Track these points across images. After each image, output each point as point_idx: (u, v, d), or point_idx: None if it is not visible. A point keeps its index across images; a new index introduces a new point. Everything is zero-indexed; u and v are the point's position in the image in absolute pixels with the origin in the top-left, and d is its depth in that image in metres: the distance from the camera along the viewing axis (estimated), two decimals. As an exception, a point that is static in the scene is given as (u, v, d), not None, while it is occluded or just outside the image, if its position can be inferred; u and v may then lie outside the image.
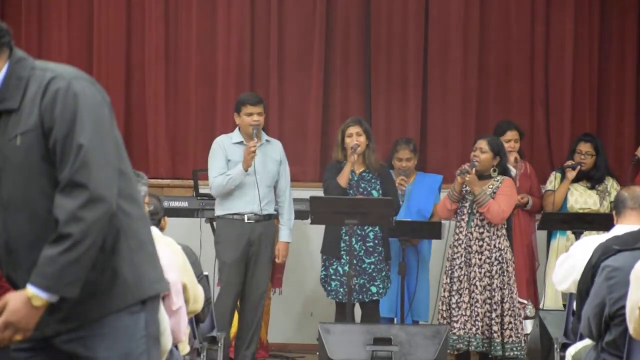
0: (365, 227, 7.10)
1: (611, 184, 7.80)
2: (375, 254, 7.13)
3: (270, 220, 7.14)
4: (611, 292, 4.08)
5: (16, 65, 2.83)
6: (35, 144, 2.76)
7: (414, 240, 7.42)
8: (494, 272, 6.92)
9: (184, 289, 4.49)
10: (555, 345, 5.32)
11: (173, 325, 4.28)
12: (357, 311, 7.28)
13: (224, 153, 7.06)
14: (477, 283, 6.90)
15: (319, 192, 7.28)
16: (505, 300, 6.91)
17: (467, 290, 6.91)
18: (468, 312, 6.87)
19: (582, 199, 7.75)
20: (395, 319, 7.41)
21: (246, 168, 6.93)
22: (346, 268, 6.89)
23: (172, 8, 8.57)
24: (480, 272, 6.92)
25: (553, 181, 7.78)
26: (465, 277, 6.93)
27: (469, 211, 7.03)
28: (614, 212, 4.84)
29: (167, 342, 4.12)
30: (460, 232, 7.04)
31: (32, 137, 2.76)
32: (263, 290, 7.13)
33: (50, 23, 8.57)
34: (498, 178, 7.07)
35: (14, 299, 2.71)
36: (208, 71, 8.56)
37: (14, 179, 2.79)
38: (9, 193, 2.80)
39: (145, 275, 2.89)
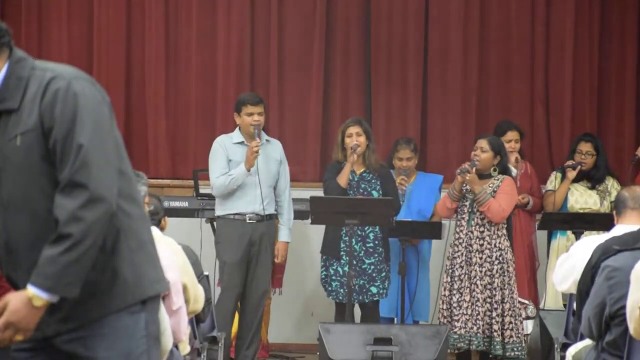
0: (366, 228, 7.10)
1: (611, 184, 7.80)
2: (376, 255, 7.13)
3: (271, 220, 7.14)
4: (611, 292, 4.08)
5: (16, 65, 2.83)
6: (35, 144, 2.76)
7: (414, 240, 7.42)
8: (494, 271, 6.92)
9: (184, 289, 4.49)
10: (556, 345, 5.32)
11: (173, 325, 4.28)
12: (357, 311, 7.28)
13: (225, 153, 7.05)
14: (478, 282, 6.90)
15: (319, 192, 7.28)
16: (505, 300, 6.91)
17: (467, 289, 6.91)
18: (469, 311, 6.87)
19: (582, 198, 7.75)
20: (395, 319, 7.41)
21: (249, 168, 6.93)
22: (346, 269, 6.88)
23: (172, 8, 8.57)
24: (481, 271, 6.92)
25: (553, 181, 7.78)
26: (466, 275, 6.94)
27: (470, 210, 7.03)
28: (614, 212, 4.83)
29: (167, 342, 4.12)
30: (461, 230, 7.04)
31: (32, 137, 2.76)
32: (264, 291, 7.12)
33: (51, 23, 8.57)
34: (498, 177, 7.07)
35: (15, 299, 2.71)
36: (208, 71, 8.57)
37: (14, 179, 2.79)
38: (9, 193, 2.80)
39: (145, 275, 2.89)
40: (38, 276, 2.69)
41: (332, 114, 8.59)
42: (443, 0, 8.58)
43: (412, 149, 7.58)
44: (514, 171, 7.43)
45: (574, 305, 4.86)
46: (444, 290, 7.04)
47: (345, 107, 8.57)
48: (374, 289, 7.10)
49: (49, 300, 2.70)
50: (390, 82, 8.60)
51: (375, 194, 7.18)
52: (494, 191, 7.01)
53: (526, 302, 7.48)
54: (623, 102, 8.66)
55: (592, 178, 7.78)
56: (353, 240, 6.88)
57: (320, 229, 7.35)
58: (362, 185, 7.18)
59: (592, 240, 4.79)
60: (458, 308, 6.91)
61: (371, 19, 8.58)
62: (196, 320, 5.06)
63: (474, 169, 7.00)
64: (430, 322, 7.47)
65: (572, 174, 7.67)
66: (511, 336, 6.88)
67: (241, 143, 7.08)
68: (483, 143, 7.08)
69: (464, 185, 7.04)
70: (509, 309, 6.91)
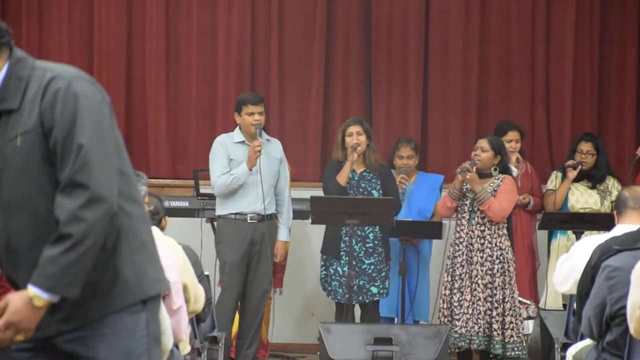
0: (365, 228, 7.10)
1: (612, 184, 7.80)
2: (375, 255, 7.12)
3: (272, 220, 7.14)
4: (612, 292, 4.08)
5: (16, 65, 2.82)
6: (36, 144, 2.76)
7: (414, 240, 7.42)
8: (495, 270, 6.92)
9: (185, 288, 4.49)
10: (556, 345, 5.32)
11: (173, 324, 4.28)
12: (357, 311, 7.28)
13: (226, 152, 7.05)
14: (479, 281, 6.90)
15: (320, 192, 7.28)
16: (506, 300, 6.91)
17: (468, 288, 6.91)
18: (470, 310, 6.87)
19: (582, 198, 7.75)
20: (395, 319, 7.41)
21: (251, 167, 6.93)
22: (346, 269, 6.88)
23: (173, 7, 8.57)
24: (481, 270, 6.92)
25: (554, 181, 7.78)
26: (467, 275, 6.94)
27: (470, 209, 7.03)
28: (615, 212, 4.83)
29: (168, 342, 4.12)
30: (462, 230, 7.04)
31: (32, 137, 2.76)
32: (265, 290, 7.12)
33: (51, 23, 8.57)
34: (499, 176, 7.07)
35: (15, 299, 2.71)
36: (209, 71, 8.57)
37: (15, 179, 2.79)
38: (9, 193, 2.80)
39: (145, 275, 2.88)
40: (39, 276, 2.69)
41: (332, 114, 8.59)
42: (444, 0, 8.58)
43: (413, 148, 7.59)
44: (514, 171, 7.43)
45: (575, 305, 4.86)
46: (445, 289, 7.03)
47: (346, 107, 8.57)
48: (374, 289, 7.10)
49: (49, 300, 2.70)
50: (390, 81, 8.60)
51: (375, 193, 7.18)
52: (495, 190, 7.01)
53: (527, 302, 7.48)
54: (623, 102, 8.66)
55: (592, 178, 7.78)
56: (353, 240, 6.88)
57: (320, 229, 7.35)
58: (362, 185, 7.18)
59: (593, 240, 4.78)
60: (459, 307, 6.91)
61: (372, 18, 8.58)
62: (197, 320, 5.06)
63: (474, 168, 7.00)
64: (431, 322, 7.47)
65: (572, 174, 7.67)
66: (512, 336, 6.88)
67: (242, 142, 7.08)
68: (483, 143, 7.09)
69: (465, 184, 7.05)
70: (510, 309, 6.91)
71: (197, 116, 8.56)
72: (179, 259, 4.48)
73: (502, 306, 6.90)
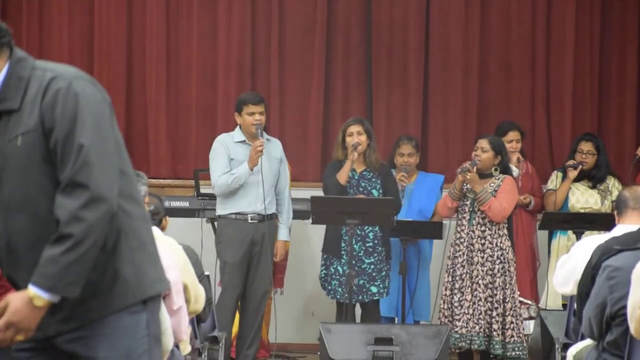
0: (365, 227, 7.10)
1: (612, 183, 7.80)
2: (375, 254, 7.12)
3: (272, 220, 7.14)
4: (612, 292, 4.08)
5: (17, 66, 2.83)
6: (36, 144, 2.76)
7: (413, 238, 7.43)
8: (496, 270, 6.92)
9: (185, 288, 4.49)
10: (557, 345, 5.32)
11: (174, 324, 4.28)
12: (358, 311, 7.28)
13: (227, 152, 7.05)
14: (480, 281, 6.90)
15: (320, 192, 7.27)
16: (507, 300, 6.91)
17: (469, 288, 6.91)
18: (470, 311, 6.87)
19: (583, 198, 7.75)
20: (396, 319, 7.41)
21: (252, 167, 6.93)
22: (346, 268, 6.88)
23: (173, 7, 8.57)
24: (482, 270, 6.92)
25: (554, 180, 7.78)
26: (468, 275, 6.94)
27: (471, 209, 7.03)
28: (615, 212, 4.84)
29: (168, 342, 4.12)
30: (462, 230, 7.04)
31: (32, 138, 2.76)
32: (265, 290, 7.12)
33: (51, 23, 8.57)
34: (499, 177, 7.08)
35: (16, 299, 2.71)
36: (209, 71, 8.57)
37: (15, 179, 2.79)
38: (9, 193, 2.80)
39: (146, 275, 2.89)
40: (39, 276, 2.69)
41: (332, 114, 8.59)
42: (444, 0, 8.58)
43: (414, 145, 7.59)
44: (515, 171, 7.43)
45: (575, 305, 4.86)
46: (445, 289, 7.03)
47: (346, 107, 8.57)
48: (374, 289, 7.10)
49: (50, 300, 2.70)
50: (391, 81, 8.60)
51: (375, 192, 7.18)
52: (495, 190, 7.01)
53: (529, 302, 7.47)
54: (624, 102, 8.66)
55: (593, 177, 7.78)
56: (353, 239, 6.88)
57: (320, 229, 7.35)
58: (362, 184, 7.18)
59: (593, 241, 4.79)
60: (459, 307, 6.91)
61: (372, 18, 8.58)
62: (197, 320, 5.06)
63: (474, 168, 7.00)
64: (431, 322, 7.47)
65: (573, 174, 7.67)
66: (512, 336, 6.88)
67: (243, 142, 7.08)
68: (484, 143, 7.09)
69: (465, 184, 7.04)
70: (510, 309, 6.91)
71: (197, 116, 8.56)
72: (179, 259, 4.48)
73: (502, 306, 6.90)
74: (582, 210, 7.63)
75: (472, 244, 6.98)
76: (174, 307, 4.31)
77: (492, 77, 8.64)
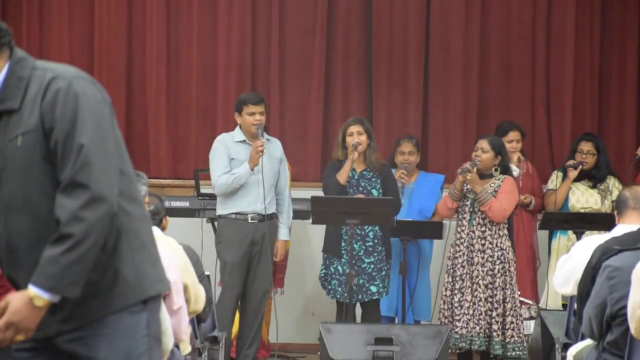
0: (365, 227, 7.10)
1: (612, 183, 7.80)
2: (375, 254, 7.12)
3: (272, 220, 7.14)
4: (612, 292, 4.08)
5: (17, 65, 2.83)
6: (36, 144, 2.76)
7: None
8: (496, 270, 6.92)
9: (185, 289, 4.49)
10: (557, 345, 5.32)
11: (174, 324, 4.28)
12: (358, 311, 7.28)
13: (227, 151, 7.04)
14: (480, 282, 6.90)
15: (320, 192, 7.27)
16: (507, 300, 6.91)
17: (469, 289, 6.91)
18: (470, 311, 6.87)
19: (583, 198, 7.75)
20: (396, 318, 7.41)
21: (253, 167, 6.92)
22: (346, 268, 6.88)
23: (173, 7, 8.57)
24: (482, 271, 6.92)
25: (554, 180, 7.78)
26: (468, 275, 6.93)
27: (471, 210, 7.03)
28: (615, 212, 4.84)
29: (168, 342, 4.12)
30: (462, 230, 7.04)
31: (33, 138, 2.76)
32: (265, 290, 7.12)
33: (52, 23, 8.57)
34: (499, 177, 7.07)
35: (16, 299, 2.71)
36: (209, 71, 8.57)
37: (15, 179, 2.79)
38: (10, 193, 2.80)
39: (146, 275, 2.89)
40: (39, 276, 2.69)
41: (333, 114, 8.59)
42: (444, -1, 8.60)
43: (414, 144, 7.60)
44: (515, 170, 7.43)
45: (575, 305, 4.86)
46: (445, 290, 7.03)
47: (346, 107, 8.57)
48: (373, 288, 7.10)
49: (50, 300, 2.70)
50: (391, 81, 8.60)
51: (375, 192, 7.18)
52: (495, 191, 7.01)
53: (530, 302, 7.47)
54: (624, 102, 8.66)
55: (593, 177, 7.78)
56: (353, 239, 6.87)
57: (321, 229, 7.35)
58: (362, 184, 7.18)
59: (593, 241, 4.79)
60: (459, 308, 6.91)
61: (372, 18, 8.58)
62: (197, 320, 5.06)
63: (475, 169, 7.00)
64: (431, 322, 7.47)
65: (573, 174, 7.67)
66: (512, 336, 6.88)
67: (243, 142, 7.08)
68: (484, 143, 7.09)
69: (465, 184, 7.04)
70: (511, 309, 6.91)
71: (197, 116, 8.56)
72: (179, 259, 4.48)
73: (502, 306, 6.90)
74: (582, 210, 7.63)
75: (472, 245, 6.98)
76: (174, 307, 4.31)
77: (492, 77, 8.64)
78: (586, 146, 7.78)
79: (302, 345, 8.13)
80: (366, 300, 7.13)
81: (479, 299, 6.88)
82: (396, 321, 7.36)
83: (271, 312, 7.50)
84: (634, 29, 8.66)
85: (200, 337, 5.20)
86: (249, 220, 7.01)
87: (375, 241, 7.14)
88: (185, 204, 7.51)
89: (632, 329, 3.91)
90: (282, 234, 7.25)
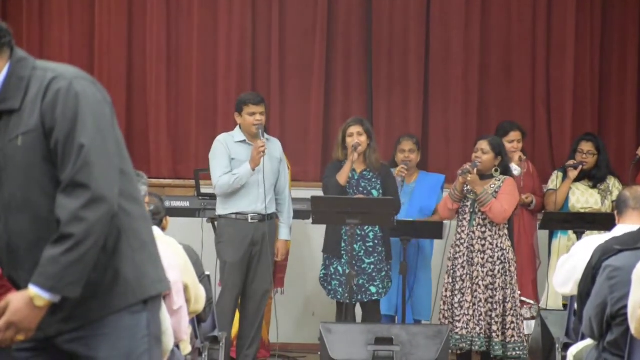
0: (365, 227, 7.10)
1: (613, 183, 7.80)
2: (375, 254, 7.12)
3: (272, 220, 7.14)
4: (613, 292, 4.08)
5: (17, 65, 2.83)
6: (37, 144, 2.76)
7: (413, 236, 7.44)
8: (496, 271, 6.92)
9: (185, 289, 4.49)
10: (557, 345, 5.32)
11: (174, 324, 4.29)
12: (359, 311, 7.28)
13: (227, 151, 7.04)
14: (480, 282, 6.90)
15: (320, 192, 7.27)
16: (507, 300, 6.91)
17: (469, 289, 6.91)
18: (471, 312, 6.87)
19: (583, 198, 7.75)
20: (396, 318, 7.41)
21: (254, 167, 6.92)
22: (346, 268, 6.88)
23: (174, 7, 8.57)
24: (482, 272, 6.92)
25: (555, 180, 7.78)
26: (468, 276, 6.93)
27: (471, 210, 7.03)
28: (615, 212, 4.84)
29: (168, 342, 4.12)
30: (462, 231, 7.04)
31: (33, 138, 2.76)
32: (266, 290, 7.12)
33: (52, 23, 8.57)
34: (500, 178, 7.07)
35: (16, 299, 2.71)
36: (209, 71, 8.57)
37: (16, 179, 2.79)
38: (10, 193, 2.80)
39: (146, 275, 2.89)
40: (40, 276, 2.69)
41: (333, 114, 8.59)
42: (444, -1, 8.60)
43: (415, 142, 7.61)
44: (516, 170, 7.43)
45: (575, 305, 4.86)
46: (445, 290, 7.03)
47: (346, 107, 8.57)
48: (373, 289, 7.10)
49: (50, 300, 2.71)
50: (391, 81, 8.60)
51: (375, 192, 7.17)
52: (496, 192, 7.01)
53: (531, 302, 7.47)
54: (624, 102, 8.66)
55: (593, 177, 7.78)
56: (353, 240, 6.87)
57: (321, 229, 7.35)
58: (362, 184, 7.18)
59: (593, 241, 4.79)
60: (459, 309, 6.91)
61: (372, 18, 8.58)
62: (197, 320, 5.06)
63: (475, 170, 7.00)
64: (432, 322, 7.47)
65: (573, 174, 7.67)
66: (513, 336, 6.88)
67: (243, 142, 7.08)
68: (484, 144, 7.08)
69: (466, 185, 7.04)
70: (511, 309, 6.91)
71: (197, 116, 8.56)
72: (179, 259, 4.48)
73: (502, 307, 6.90)
74: (583, 210, 7.63)
75: (473, 245, 6.97)
76: (175, 307, 4.31)
77: (492, 76, 8.63)
78: (586, 146, 7.78)
79: (302, 345, 8.13)
80: (366, 300, 7.13)
81: (479, 299, 6.88)
82: (396, 320, 7.36)
83: (271, 312, 7.50)
84: (634, 29, 8.66)
85: (201, 337, 5.20)
86: (249, 220, 7.01)
87: (376, 242, 7.14)
88: (185, 204, 7.51)
89: (633, 329, 3.91)
90: (283, 234, 7.25)
